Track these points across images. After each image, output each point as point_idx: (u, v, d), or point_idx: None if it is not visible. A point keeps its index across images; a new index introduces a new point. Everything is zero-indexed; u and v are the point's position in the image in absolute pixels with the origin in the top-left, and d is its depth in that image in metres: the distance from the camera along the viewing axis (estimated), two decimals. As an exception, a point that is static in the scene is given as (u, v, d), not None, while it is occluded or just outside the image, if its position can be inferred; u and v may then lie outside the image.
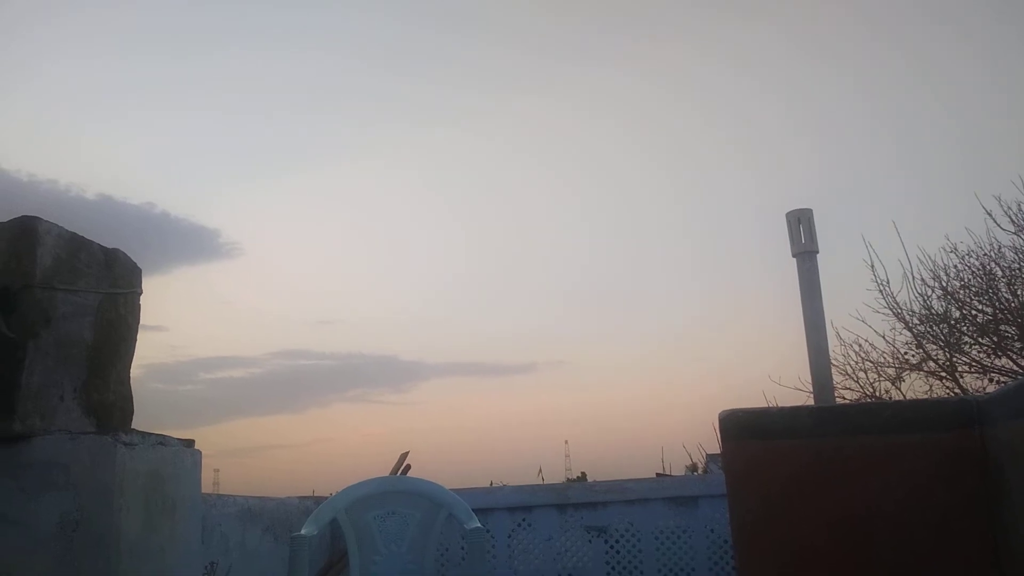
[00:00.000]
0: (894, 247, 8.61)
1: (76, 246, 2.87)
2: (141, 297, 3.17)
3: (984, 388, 8.29)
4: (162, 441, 2.87)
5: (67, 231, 2.85)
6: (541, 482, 7.91)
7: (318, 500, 4.90)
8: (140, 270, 3.15)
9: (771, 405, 8.30)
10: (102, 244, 3.00)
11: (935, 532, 2.56)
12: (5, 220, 2.81)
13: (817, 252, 4.17)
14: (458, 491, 4.09)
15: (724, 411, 2.87)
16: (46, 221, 2.77)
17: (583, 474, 9.97)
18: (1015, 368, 8.19)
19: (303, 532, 3.40)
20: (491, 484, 6.81)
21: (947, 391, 8.48)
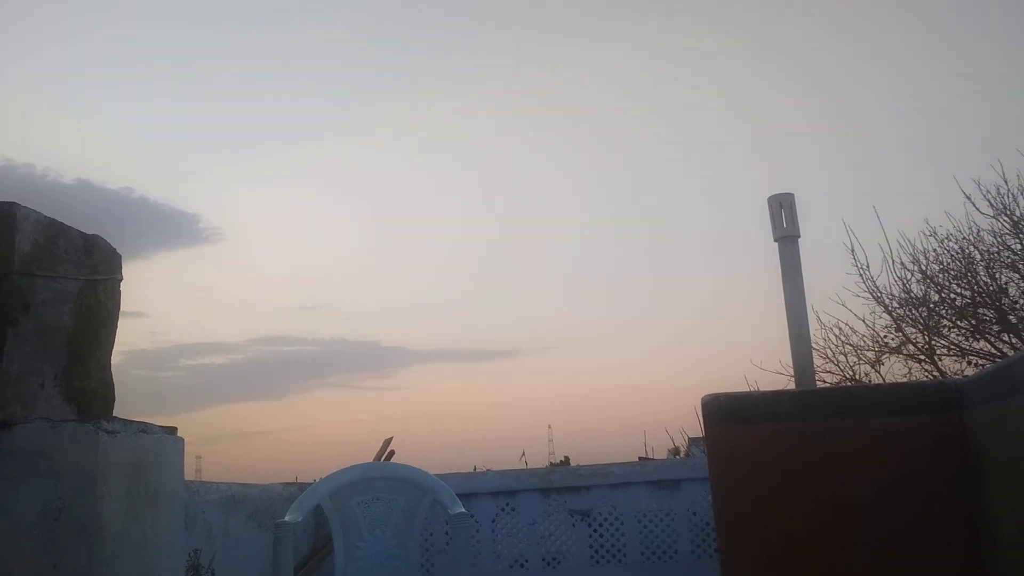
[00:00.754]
0: (874, 231, 8.67)
1: (55, 232, 2.84)
2: (121, 283, 3.14)
3: (963, 371, 8.37)
4: (144, 429, 2.85)
5: (45, 217, 2.81)
6: (524, 466, 7.95)
7: (302, 486, 4.89)
8: (120, 256, 3.12)
9: (753, 389, 8.37)
10: (81, 230, 2.97)
11: (917, 515, 2.59)
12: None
13: (798, 237, 4.18)
14: (442, 476, 4.09)
15: (706, 396, 2.88)
16: (24, 206, 2.73)
17: (566, 458, 10.02)
18: (993, 351, 8.27)
19: (287, 519, 3.40)
20: (475, 469, 6.82)
21: (926, 374, 8.56)
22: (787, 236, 4.17)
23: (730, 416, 2.81)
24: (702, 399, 2.88)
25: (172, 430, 3.01)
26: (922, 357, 8.66)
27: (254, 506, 4.36)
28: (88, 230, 3.01)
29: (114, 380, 3.05)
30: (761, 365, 8.72)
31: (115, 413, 2.97)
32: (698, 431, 7.70)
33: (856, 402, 2.86)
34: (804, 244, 4.20)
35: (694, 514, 4.77)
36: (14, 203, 2.71)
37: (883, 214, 8.64)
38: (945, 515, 2.59)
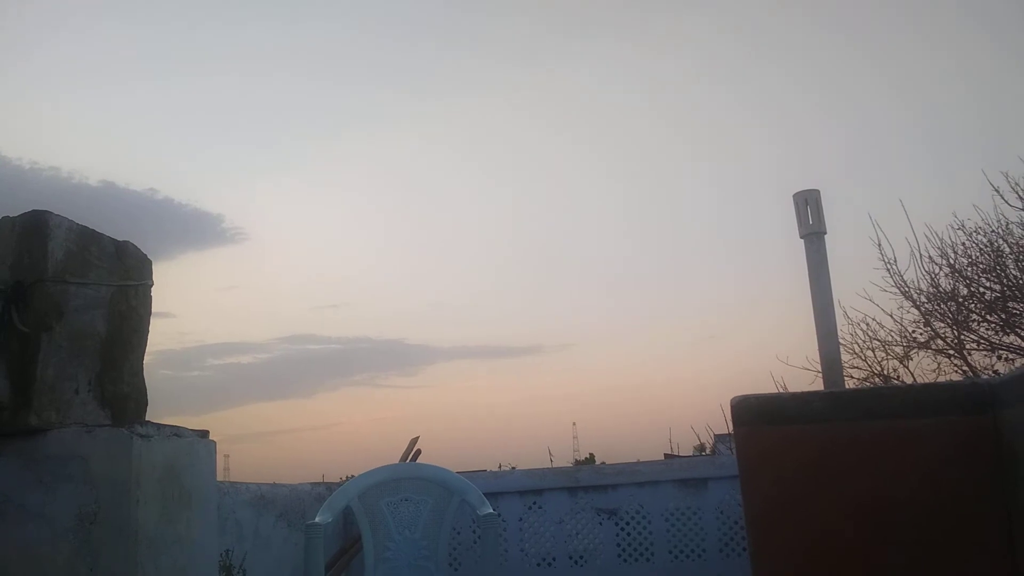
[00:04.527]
0: (901, 225, 8.56)
1: (87, 239, 2.87)
2: (152, 288, 3.18)
3: (993, 366, 8.27)
4: (177, 432, 2.88)
5: (77, 224, 2.85)
6: (551, 464, 7.94)
7: (329, 486, 4.92)
8: (150, 261, 3.15)
9: (779, 386, 8.32)
10: (110, 235, 3.00)
11: (949, 516, 2.57)
12: (12, 212, 2.81)
13: (825, 233, 4.16)
14: (468, 474, 4.09)
15: (736, 397, 2.87)
16: (56, 215, 2.77)
17: (591, 456, 10.01)
18: (1024, 345, 8.17)
19: (318, 520, 3.42)
20: (500, 467, 6.83)
21: (955, 369, 8.46)
22: (813, 233, 4.15)
23: (760, 418, 2.80)
24: (731, 400, 2.87)
25: (204, 433, 3.05)
26: (951, 352, 8.56)
27: (284, 506, 4.39)
28: (114, 231, 3.03)
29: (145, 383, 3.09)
30: (787, 361, 8.66)
31: (146, 416, 3.01)
32: (724, 428, 7.67)
33: (887, 402, 2.83)
34: (830, 239, 4.18)
35: (722, 512, 4.75)
36: (46, 211, 2.75)
37: (910, 208, 8.54)
38: (978, 515, 2.57)
